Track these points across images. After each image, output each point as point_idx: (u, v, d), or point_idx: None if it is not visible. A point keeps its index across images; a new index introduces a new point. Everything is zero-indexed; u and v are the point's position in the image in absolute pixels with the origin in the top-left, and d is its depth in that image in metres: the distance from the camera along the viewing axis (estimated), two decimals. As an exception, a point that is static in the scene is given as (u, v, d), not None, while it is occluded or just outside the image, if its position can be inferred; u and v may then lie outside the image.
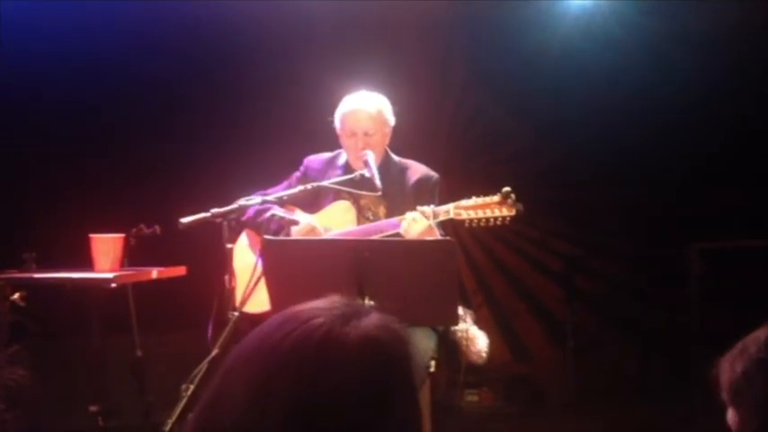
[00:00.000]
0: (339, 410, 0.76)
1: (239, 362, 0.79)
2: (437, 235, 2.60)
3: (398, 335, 0.83)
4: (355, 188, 2.71)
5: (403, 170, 2.90)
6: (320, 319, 0.79)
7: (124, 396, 3.41)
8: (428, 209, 2.61)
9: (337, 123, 2.88)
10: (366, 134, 2.81)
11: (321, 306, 0.82)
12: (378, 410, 0.78)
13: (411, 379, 0.83)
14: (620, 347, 4.21)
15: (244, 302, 2.51)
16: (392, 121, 2.89)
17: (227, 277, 2.52)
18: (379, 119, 2.84)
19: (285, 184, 2.94)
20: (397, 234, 2.62)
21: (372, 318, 0.82)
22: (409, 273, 2.26)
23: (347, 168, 2.85)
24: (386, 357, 0.80)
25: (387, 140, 2.89)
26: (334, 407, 0.75)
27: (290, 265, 2.29)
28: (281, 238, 2.67)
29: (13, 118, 3.89)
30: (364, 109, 2.83)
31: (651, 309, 4.22)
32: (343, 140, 2.87)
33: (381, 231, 2.68)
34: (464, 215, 2.58)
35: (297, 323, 0.79)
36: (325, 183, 2.72)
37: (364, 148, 2.79)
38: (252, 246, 2.88)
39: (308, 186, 2.69)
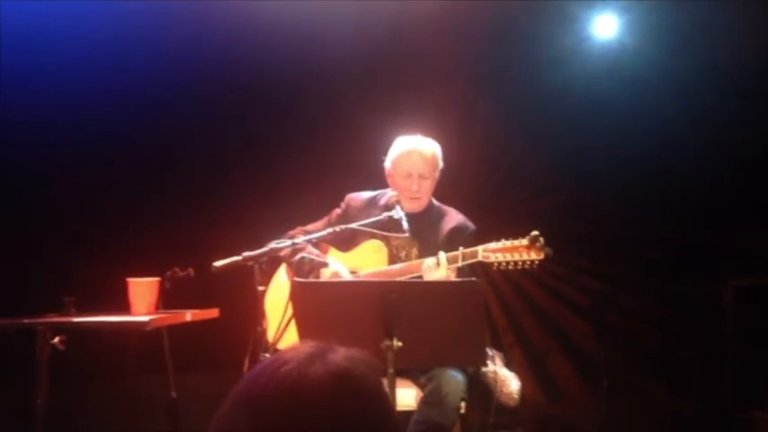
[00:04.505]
0: None
1: (231, 412, 0.83)
2: None
3: (366, 364, 0.86)
4: (383, 230, 2.76)
5: (440, 216, 2.95)
6: (289, 366, 0.83)
7: (159, 437, 3.45)
8: (443, 256, 2.64)
9: (389, 164, 2.95)
10: (422, 177, 2.88)
11: (291, 351, 0.86)
12: None
13: (384, 406, 0.85)
14: (653, 386, 4.14)
15: (277, 340, 2.56)
16: (441, 166, 2.95)
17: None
18: (433, 162, 2.92)
19: (325, 220, 3.00)
20: (421, 276, 2.65)
21: (339, 353, 0.85)
22: (436, 314, 2.28)
23: (389, 209, 2.89)
24: (355, 386, 0.82)
25: (435, 185, 2.95)
26: None
27: (319, 307, 2.33)
28: (310, 280, 2.72)
29: (51, 164, 4.01)
30: (421, 150, 2.91)
31: (685, 347, 4.15)
32: (396, 180, 2.92)
33: (410, 273, 2.72)
34: (492, 258, 2.61)
35: (270, 373, 0.83)
36: (353, 225, 2.77)
37: (419, 191, 2.85)
38: (288, 281, 2.92)
39: (337, 228, 2.75)
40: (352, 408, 0.81)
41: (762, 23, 3.91)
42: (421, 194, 2.90)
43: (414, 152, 2.91)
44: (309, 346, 0.87)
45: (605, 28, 4.18)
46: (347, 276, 2.80)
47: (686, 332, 4.16)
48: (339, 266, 2.82)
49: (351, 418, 0.81)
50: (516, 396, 2.86)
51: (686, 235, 4.13)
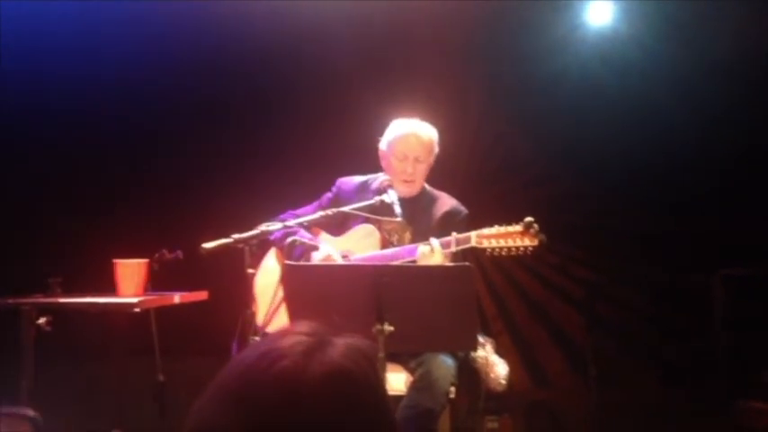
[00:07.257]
0: None
1: (215, 403, 0.80)
2: None
3: (366, 358, 0.84)
4: (375, 213, 2.73)
5: (433, 200, 2.93)
6: (285, 362, 0.79)
7: (145, 421, 3.42)
8: (435, 242, 2.61)
9: (385, 145, 2.92)
10: (417, 160, 2.87)
11: (285, 341, 0.82)
12: None
13: (382, 404, 0.83)
14: (641, 375, 4.16)
15: (267, 323, 2.54)
16: (437, 151, 2.93)
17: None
18: (430, 147, 2.91)
19: (316, 204, 2.98)
20: (415, 261, 2.64)
21: (337, 347, 0.82)
22: (428, 298, 2.26)
23: (381, 193, 2.87)
24: (354, 387, 0.81)
25: (429, 170, 2.93)
26: None
27: (311, 290, 2.31)
28: (301, 263, 2.69)
29: (38, 144, 3.97)
30: (418, 134, 2.90)
31: (674, 336, 4.16)
32: (391, 162, 2.90)
33: (401, 258, 2.70)
34: (485, 244, 2.60)
35: (265, 368, 0.79)
36: (345, 208, 2.75)
37: (413, 173, 2.82)
38: (278, 265, 2.91)
39: (329, 212, 2.72)
40: (350, 409, 0.79)
41: (758, 12, 3.90)
42: (415, 177, 2.89)
43: (411, 135, 2.89)
44: (304, 336, 0.82)
45: (599, 15, 4.16)
46: (338, 260, 2.78)
47: (677, 322, 4.17)
48: (330, 250, 2.80)
49: (348, 417, 0.79)
50: (504, 381, 2.87)
51: (679, 225, 4.13)
